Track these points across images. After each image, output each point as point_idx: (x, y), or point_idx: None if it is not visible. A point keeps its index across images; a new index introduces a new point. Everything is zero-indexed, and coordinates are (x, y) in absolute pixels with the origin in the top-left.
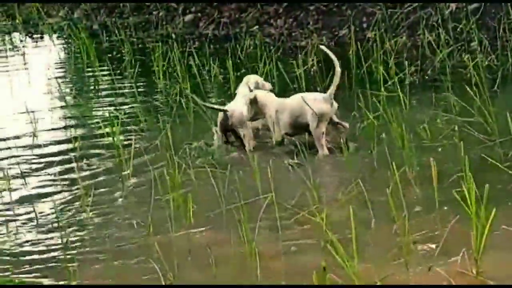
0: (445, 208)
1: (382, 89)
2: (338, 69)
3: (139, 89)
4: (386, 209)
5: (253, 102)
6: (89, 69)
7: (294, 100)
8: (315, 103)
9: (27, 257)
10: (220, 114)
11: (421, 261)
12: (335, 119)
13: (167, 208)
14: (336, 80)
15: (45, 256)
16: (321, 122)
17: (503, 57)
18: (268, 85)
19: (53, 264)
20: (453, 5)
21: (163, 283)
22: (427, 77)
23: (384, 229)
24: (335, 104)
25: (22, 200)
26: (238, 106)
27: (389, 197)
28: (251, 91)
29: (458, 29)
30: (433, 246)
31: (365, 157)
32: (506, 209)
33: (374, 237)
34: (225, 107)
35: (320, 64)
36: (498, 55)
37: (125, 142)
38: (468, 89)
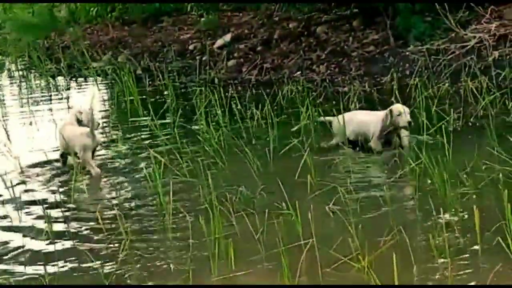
0: (489, 256)
1: (424, 135)
2: None
3: (180, 133)
4: (429, 256)
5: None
6: (133, 113)
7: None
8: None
9: None
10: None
11: None
12: None
13: (207, 253)
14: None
15: None
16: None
17: None
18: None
19: None
20: (496, 53)
21: None
22: (470, 124)
23: (426, 276)
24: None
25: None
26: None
27: (432, 244)
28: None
29: (501, 77)
30: None
31: (407, 204)
32: None
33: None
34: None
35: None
36: None
37: (166, 186)
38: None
